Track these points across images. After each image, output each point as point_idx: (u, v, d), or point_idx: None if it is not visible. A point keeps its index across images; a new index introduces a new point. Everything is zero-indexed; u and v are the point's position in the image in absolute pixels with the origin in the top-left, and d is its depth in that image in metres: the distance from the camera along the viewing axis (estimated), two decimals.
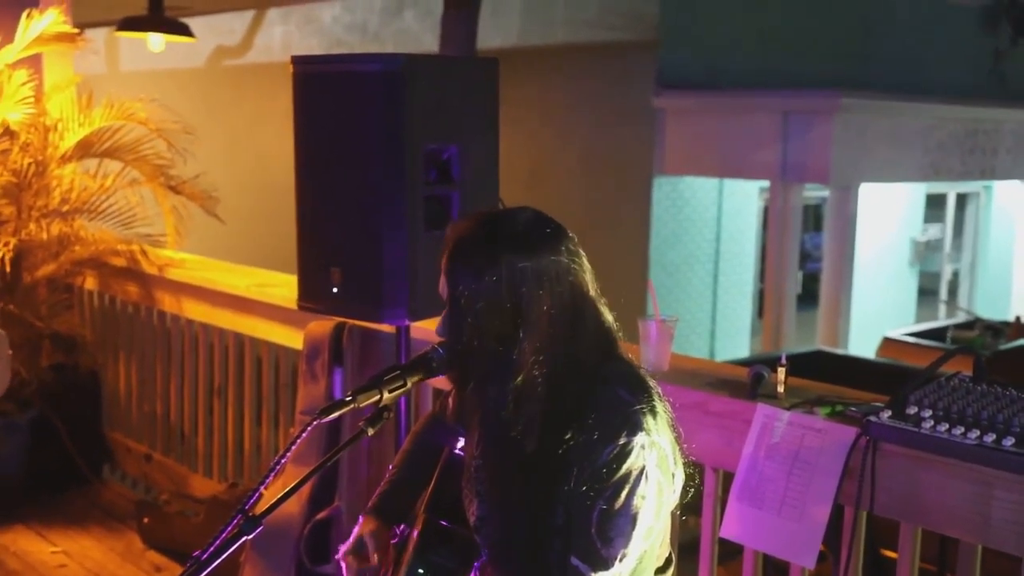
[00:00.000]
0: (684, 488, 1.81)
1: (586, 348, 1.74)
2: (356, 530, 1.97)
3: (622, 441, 1.67)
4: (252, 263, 4.52)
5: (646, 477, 1.68)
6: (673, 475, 1.76)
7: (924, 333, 9.62)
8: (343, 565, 1.95)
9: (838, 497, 2.12)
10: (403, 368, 1.80)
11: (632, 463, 1.67)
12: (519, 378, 1.71)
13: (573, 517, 1.69)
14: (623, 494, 1.66)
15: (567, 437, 1.69)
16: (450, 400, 2.10)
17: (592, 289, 1.77)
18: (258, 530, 1.51)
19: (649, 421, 1.69)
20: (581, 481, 1.68)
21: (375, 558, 1.91)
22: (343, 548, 1.96)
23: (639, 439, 1.67)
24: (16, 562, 4.08)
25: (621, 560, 1.67)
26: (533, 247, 1.71)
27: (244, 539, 1.50)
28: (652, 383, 1.77)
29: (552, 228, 1.76)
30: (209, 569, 1.50)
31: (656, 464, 1.69)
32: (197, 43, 8.56)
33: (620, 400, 1.70)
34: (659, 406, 1.74)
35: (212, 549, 1.50)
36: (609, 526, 1.66)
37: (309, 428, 1.65)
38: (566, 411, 1.70)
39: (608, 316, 1.79)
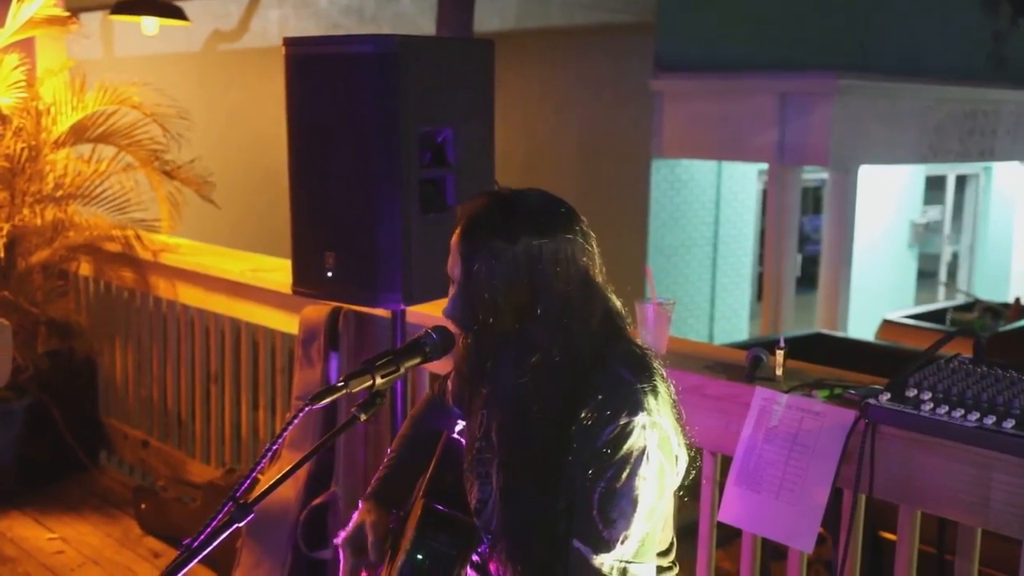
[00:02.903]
0: (686, 470, 1.79)
1: (596, 328, 1.74)
2: (356, 516, 1.96)
3: (623, 421, 1.66)
4: (248, 248, 4.50)
5: (647, 458, 1.66)
6: (676, 457, 1.74)
7: (923, 315, 9.60)
8: (341, 553, 1.93)
9: (837, 480, 2.11)
10: (396, 353, 1.79)
11: (633, 443, 1.65)
12: (535, 357, 1.70)
13: (575, 498, 1.68)
14: (624, 475, 1.65)
15: (572, 420, 1.68)
16: (449, 383, 2.08)
17: (601, 272, 1.78)
18: (249, 517, 1.49)
19: (650, 401, 1.68)
20: (582, 461, 1.67)
21: (373, 555, 1.90)
22: (342, 535, 1.94)
23: (640, 419, 1.66)
24: (13, 548, 4.07)
25: (623, 542, 1.66)
26: (549, 225, 1.71)
27: (235, 526, 1.49)
28: (656, 364, 1.76)
29: (565, 208, 1.77)
30: (201, 556, 1.48)
31: (657, 445, 1.68)
32: (192, 27, 8.51)
33: (621, 380, 1.69)
34: (661, 387, 1.73)
35: (203, 536, 1.48)
36: (610, 507, 1.65)
37: (301, 414, 1.63)
38: (573, 393, 1.69)
39: (616, 300, 1.80)
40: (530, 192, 1.77)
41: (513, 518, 1.76)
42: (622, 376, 1.70)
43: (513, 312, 1.70)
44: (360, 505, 1.98)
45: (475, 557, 1.86)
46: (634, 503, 1.66)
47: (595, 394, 1.68)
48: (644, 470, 1.66)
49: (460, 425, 2.03)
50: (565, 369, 1.70)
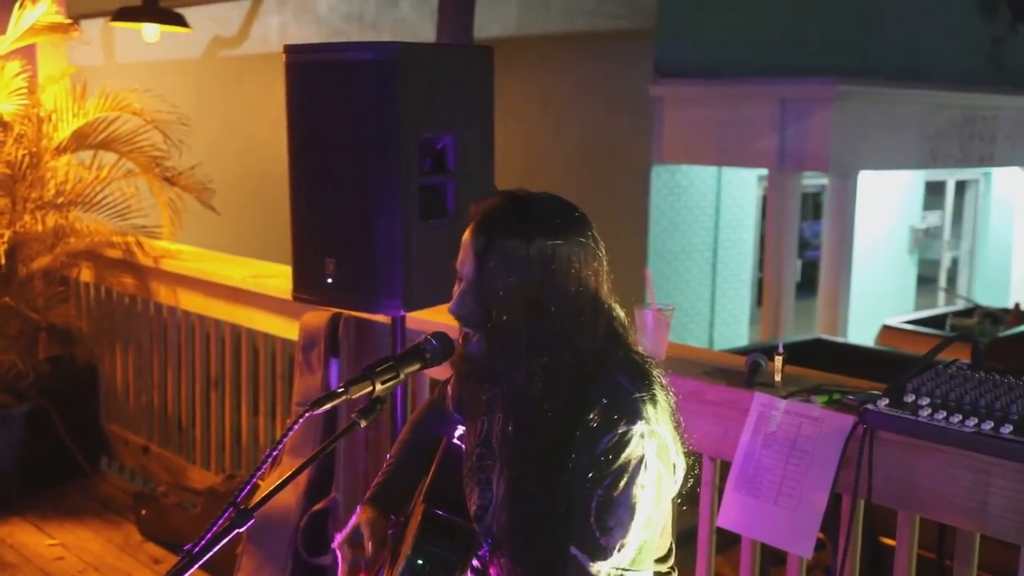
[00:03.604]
0: (684, 478, 1.80)
1: (601, 333, 1.74)
2: (353, 519, 1.96)
3: (621, 430, 1.66)
4: (248, 254, 4.50)
5: (645, 466, 1.66)
6: (674, 465, 1.74)
7: (923, 321, 9.60)
8: (339, 554, 1.94)
9: (835, 486, 2.11)
10: (396, 359, 1.79)
11: (631, 452, 1.65)
12: (546, 357, 1.70)
13: (572, 506, 1.68)
14: (622, 483, 1.65)
15: (575, 421, 1.68)
16: (449, 388, 2.08)
17: (608, 280, 1.78)
18: (249, 523, 1.49)
19: (649, 410, 1.68)
20: (580, 469, 1.67)
21: (370, 547, 1.90)
22: (339, 537, 1.95)
23: (638, 428, 1.66)
24: (13, 555, 4.07)
25: (620, 550, 1.66)
26: (563, 227, 1.72)
27: (235, 532, 1.49)
28: (655, 372, 1.76)
29: (579, 212, 1.78)
30: (201, 562, 1.49)
31: (656, 453, 1.68)
32: (193, 34, 8.53)
33: (620, 388, 1.69)
34: (660, 395, 1.73)
35: (204, 542, 1.48)
36: (607, 515, 1.65)
37: (300, 420, 1.63)
38: (576, 396, 1.70)
39: (620, 310, 1.80)
40: (543, 195, 1.78)
41: (515, 521, 1.76)
42: (621, 384, 1.70)
43: (524, 311, 1.70)
44: (358, 509, 1.98)
45: (475, 562, 1.86)
46: (631, 511, 1.66)
47: (596, 400, 1.68)
48: (642, 479, 1.66)
49: (460, 430, 2.04)
50: (571, 372, 1.70)
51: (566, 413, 1.70)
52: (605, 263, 1.77)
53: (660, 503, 1.71)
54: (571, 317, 1.70)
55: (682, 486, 1.80)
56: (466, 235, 1.75)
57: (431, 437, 2.10)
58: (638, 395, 1.69)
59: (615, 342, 1.76)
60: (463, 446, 1.97)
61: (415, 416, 2.18)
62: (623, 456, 1.65)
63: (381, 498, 2.00)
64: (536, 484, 1.73)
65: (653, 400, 1.70)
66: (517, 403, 1.75)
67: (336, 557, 1.95)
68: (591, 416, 1.67)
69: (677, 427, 1.77)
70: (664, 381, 1.77)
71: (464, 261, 1.75)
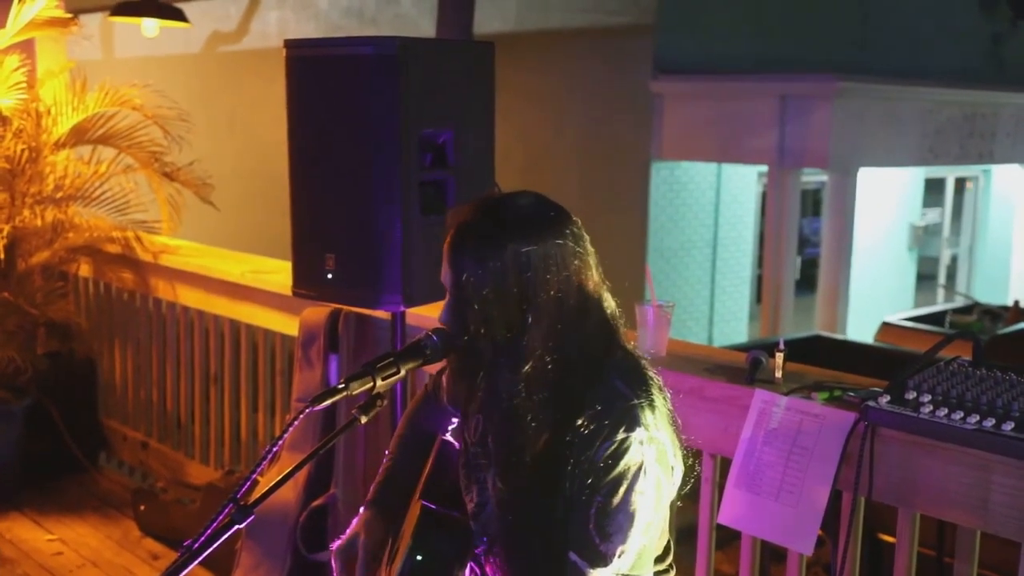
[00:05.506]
0: (684, 479, 1.79)
1: (591, 335, 1.72)
2: (354, 524, 1.95)
3: (620, 437, 1.64)
4: (248, 249, 4.50)
5: (644, 473, 1.65)
6: (672, 468, 1.73)
7: (923, 318, 9.59)
8: (334, 561, 1.93)
9: (836, 483, 2.11)
10: (397, 355, 1.78)
11: (630, 459, 1.64)
12: (528, 366, 1.68)
13: (571, 511, 1.67)
14: (621, 490, 1.64)
15: (567, 430, 1.67)
16: (443, 379, 2.08)
17: (597, 274, 1.75)
18: (249, 519, 1.49)
19: (647, 416, 1.67)
20: (578, 475, 1.66)
21: (359, 574, 1.88)
22: (337, 543, 1.93)
23: (637, 435, 1.65)
24: (12, 550, 4.07)
25: (619, 556, 1.65)
26: (537, 231, 1.68)
27: (235, 528, 1.49)
28: (652, 376, 1.74)
29: (555, 212, 1.73)
30: (201, 558, 1.48)
31: (655, 459, 1.67)
32: (192, 28, 8.51)
33: (618, 395, 1.68)
34: (658, 400, 1.71)
35: (203, 538, 1.48)
36: (607, 522, 1.64)
37: (300, 416, 1.63)
38: (569, 403, 1.68)
39: (611, 303, 1.77)
40: (520, 197, 1.75)
41: (510, 525, 1.76)
42: (619, 390, 1.68)
43: (504, 320, 1.68)
44: (360, 512, 1.97)
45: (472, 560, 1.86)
46: (631, 518, 1.65)
47: (592, 405, 1.66)
48: (641, 485, 1.65)
49: (454, 423, 2.03)
50: (560, 377, 1.68)
51: (557, 419, 1.68)
52: (591, 256, 1.73)
53: (659, 508, 1.70)
54: (553, 322, 1.67)
55: (681, 487, 1.79)
56: (444, 246, 1.74)
57: (427, 432, 2.09)
58: (637, 401, 1.67)
59: (610, 341, 1.74)
60: (456, 444, 1.96)
61: (410, 409, 2.16)
62: (622, 463, 1.64)
63: (382, 500, 1.99)
64: (528, 490, 1.72)
65: (652, 405, 1.69)
66: (503, 411, 1.74)
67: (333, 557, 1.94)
68: (589, 420, 1.65)
69: (675, 429, 1.76)
70: (661, 383, 1.76)
71: (445, 273, 1.75)
